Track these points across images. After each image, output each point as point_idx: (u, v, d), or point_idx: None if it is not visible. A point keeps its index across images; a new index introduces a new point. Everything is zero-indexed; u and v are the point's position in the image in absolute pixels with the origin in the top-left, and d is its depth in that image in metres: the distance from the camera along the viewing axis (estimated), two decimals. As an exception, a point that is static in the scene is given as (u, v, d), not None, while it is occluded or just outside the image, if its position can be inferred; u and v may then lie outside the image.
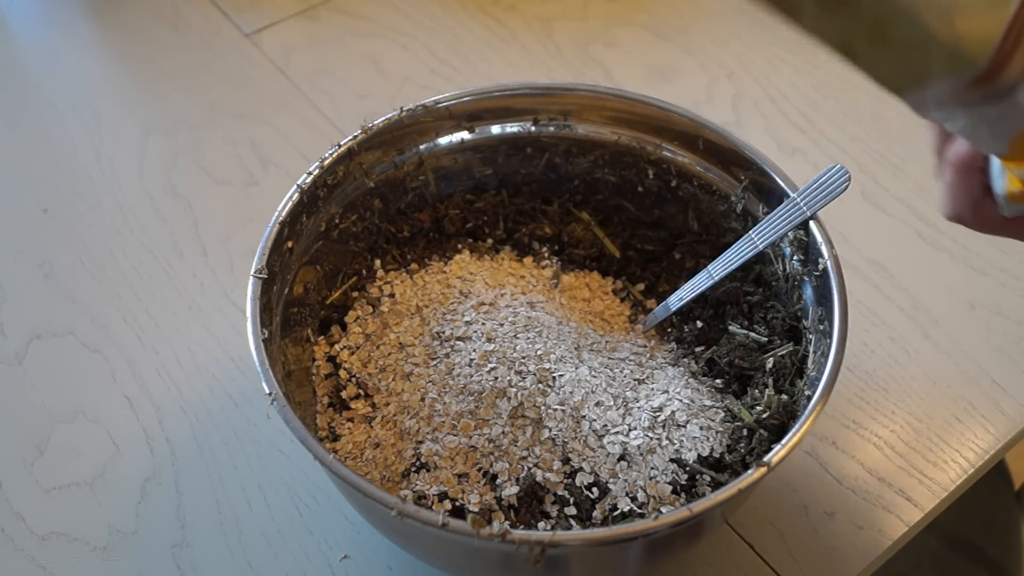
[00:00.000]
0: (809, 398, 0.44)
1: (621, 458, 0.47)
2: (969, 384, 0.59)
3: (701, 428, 0.48)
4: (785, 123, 0.75)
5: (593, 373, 0.51)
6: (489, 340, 0.52)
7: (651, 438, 0.47)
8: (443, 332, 0.53)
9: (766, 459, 0.41)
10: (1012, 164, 0.40)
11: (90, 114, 0.77)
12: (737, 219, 0.56)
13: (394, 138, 0.56)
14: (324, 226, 0.54)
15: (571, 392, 0.49)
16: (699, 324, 0.55)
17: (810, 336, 0.50)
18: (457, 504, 0.46)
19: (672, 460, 0.47)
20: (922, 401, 0.59)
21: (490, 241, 0.61)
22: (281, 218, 0.50)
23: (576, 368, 0.51)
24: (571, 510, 0.46)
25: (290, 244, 0.51)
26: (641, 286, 0.60)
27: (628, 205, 0.60)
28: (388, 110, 0.55)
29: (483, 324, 0.53)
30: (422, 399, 0.50)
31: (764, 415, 0.48)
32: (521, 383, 0.49)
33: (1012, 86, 0.31)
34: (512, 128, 0.58)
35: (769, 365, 0.51)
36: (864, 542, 0.52)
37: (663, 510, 0.43)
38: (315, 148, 0.73)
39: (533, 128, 0.58)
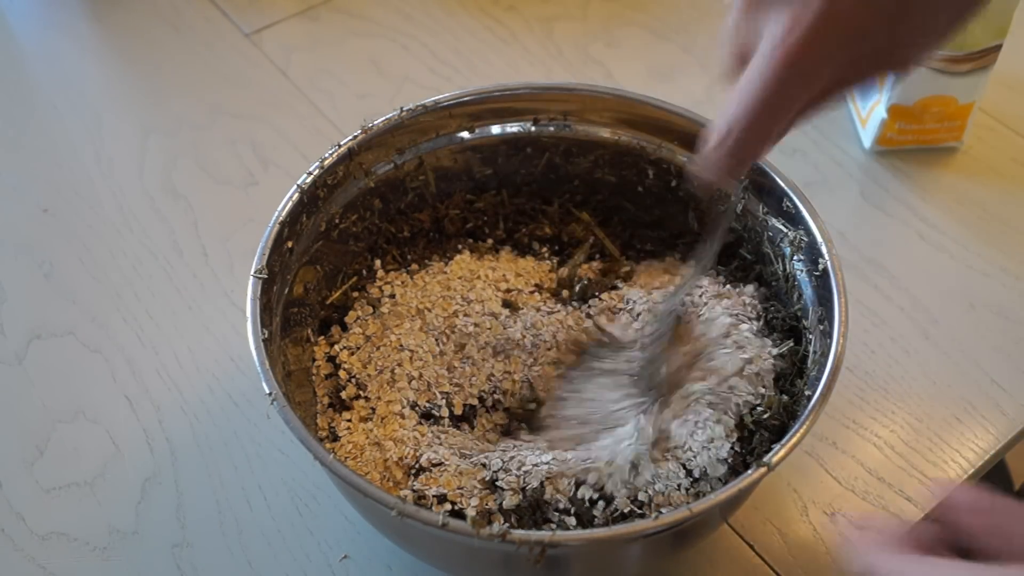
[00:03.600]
0: (809, 398, 0.44)
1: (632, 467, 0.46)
2: (969, 384, 0.59)
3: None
4: (785, 123, 0.75)
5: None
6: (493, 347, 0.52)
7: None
8: (444, 333, 0.53)
9: (766, 459, 0.41)
10: None
11: (90, 114, 0.77)
12: (737, 219, 0.56)
13: (394, 138, 0.56)
14: (324, 226, 0.54)
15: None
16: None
17: (810, 336, 0.50)
18: (456, 508, 0.45)
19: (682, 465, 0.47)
20: (922, 401, 0.59)
21: (490, 241, 0.60)
22: (281, 218, 0.50)
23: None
24: (571, 520, 0.45)
25: (290, 244, 0.51)
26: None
27: (628, 205, 0.60)
28: (388, 110, 0.55)
29: (488, 328, 0.53)
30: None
31: (764, 415, 0.48)
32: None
33: None
34: (512, 128, 0.58)
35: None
36: (864, 542, 0.52)
37: (663, 510, 0.43)
38: (315, 148, 0.73)
39: (533, 128, 0.58)
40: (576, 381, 0.51)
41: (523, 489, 0.45)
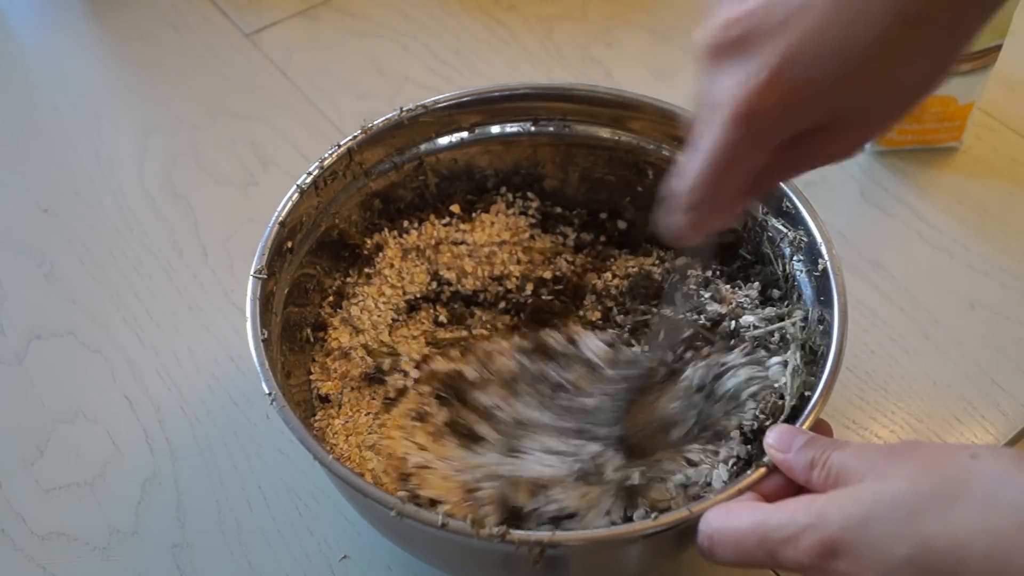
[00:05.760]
0: (809, 398, 0.44)
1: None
2: (969, 384, 0.59)
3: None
4: (785, 123, 0.75)
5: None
6: None
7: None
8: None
9: (766, 459, 0.41)
10: None
11: (90, 114, 0.77)
12: (737, 219, 0.56)
13: (394, 138, 0.56)
14: (324, 226, 0.54)
15: None
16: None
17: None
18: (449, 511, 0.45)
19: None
20: (922, 401, 0.59)
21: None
22: (281, 218, 0.50)
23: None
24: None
25: (290, 244, 0.51)
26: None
27: (628, 205, 0.60)
28: (388, 110, 0.55)
29: None
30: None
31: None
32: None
33: None
34: (512, 128, 0.58)
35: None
36: (864, 542, 0.52)
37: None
38: (315, 148, 0.73)
39: (533, 128, 0.58)
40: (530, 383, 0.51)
41: (501, 499, 0.45)
